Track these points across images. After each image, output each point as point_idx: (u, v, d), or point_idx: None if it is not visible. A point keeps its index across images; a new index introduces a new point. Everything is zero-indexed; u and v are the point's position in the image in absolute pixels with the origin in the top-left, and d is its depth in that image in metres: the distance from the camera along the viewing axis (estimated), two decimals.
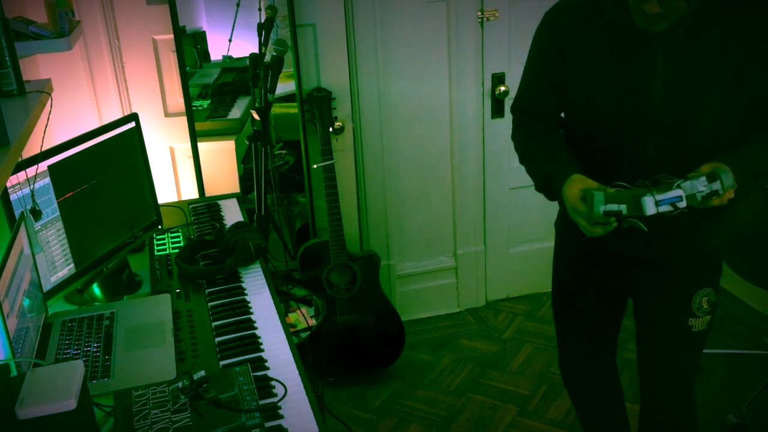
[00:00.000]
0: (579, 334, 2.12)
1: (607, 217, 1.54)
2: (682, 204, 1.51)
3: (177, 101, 2.90)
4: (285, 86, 2.94)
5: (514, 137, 1.93)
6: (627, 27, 1.63)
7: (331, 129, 2.91)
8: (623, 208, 1.52)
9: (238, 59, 3.13)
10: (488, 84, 3.19)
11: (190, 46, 3.04)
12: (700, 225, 1.76)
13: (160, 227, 2.32)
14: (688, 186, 1.50)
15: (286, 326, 1.78)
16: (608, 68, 1.69)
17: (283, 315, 1.84)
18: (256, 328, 1.77)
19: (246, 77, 2.93)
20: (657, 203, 1.50)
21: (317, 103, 2.85)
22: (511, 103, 1.94)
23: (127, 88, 2.87)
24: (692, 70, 1.62)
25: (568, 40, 1.74)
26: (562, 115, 1.89)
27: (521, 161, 1.90)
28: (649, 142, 1.69)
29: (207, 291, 1.97)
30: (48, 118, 1.87)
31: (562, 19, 1.76)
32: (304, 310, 2.57)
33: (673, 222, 1.63)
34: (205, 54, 3.14)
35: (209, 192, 2.93)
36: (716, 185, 1.50)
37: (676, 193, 1.50)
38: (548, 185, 1.77)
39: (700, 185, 1.50)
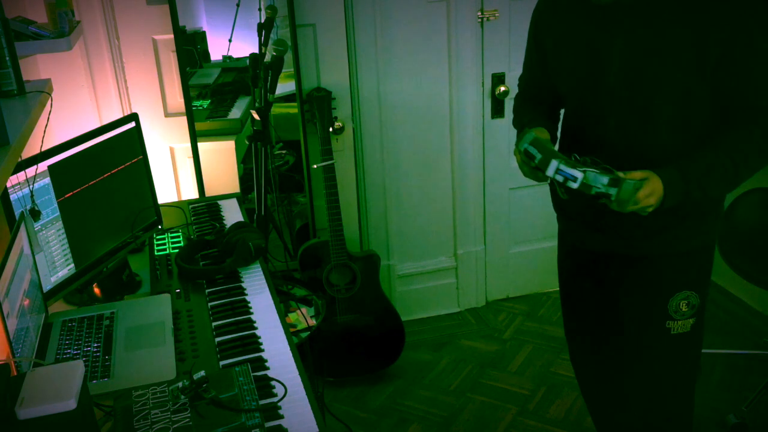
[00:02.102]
0: (577, 331, 2.15)
1: (527, 157, 1.65)
2: (574, 185, 1.58)
3: (177, 101, 2.90)
4: (285, 86, 2.93)
5: (513, 106, 2.06)
6: (587, 6, 1.69)
7: (331, 129, 2.91)
8: (538, 157, 1.63)
9: (238, 59, 3.13)
10: (488, 84, 3.19)
11: (190, 46, 3.04)
12: (675, 225, 1.76)
13: (160, 227, 2.32)
14: (591, 176, 1.57)
15: (286, 326, 1.78)
16: (573, 49, 1.76)
17: (283, 315, 1.84)
18: (256, 328, 1.77)
19: (246, 77, 2.93)
20: (557, 170, 1.59)
21: (317, 103, 2.85)
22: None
23: (127, 88, 2.87)
24: (646, 47, 1.63)
25: (545, 24, 1.85)
26: None
27: (513, 124, 2.03)
28: (609, 121, 1.72)
29: (207, 291, 1.97)
30: (48, 118, 1.88)
31: (540, 9, 1.88)
32: (304, 310, 2.57)
33: (645, 219, 1.65)
34: (205, 54, 3.14)
35: (209, 192, 2.93)
36: (612, 191, 1.56)
37: (575, 173, 1.58)
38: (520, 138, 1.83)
39: (599, 182, 1.56)
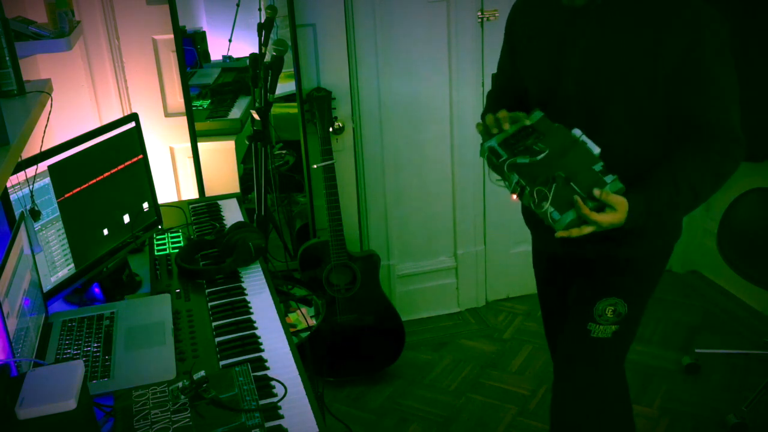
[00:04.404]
0: (550, 334, 2.20)
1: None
2: (595, 150, 1.61)
3: (177, 101, 2.90)
4: (285, 86, 2.94)
5: (486, 104, 2.06)
6: (558, 7, 1.70)
7: (331, 129, 2.91)
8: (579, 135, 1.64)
9: (238, 59, 3.13)
10: (488, 84, 3.18)
11: (190, 46, 3.04)
12: (619, 232, 1.72)
13: (160, 227, 2.32)
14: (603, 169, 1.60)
15: (286, 326, 1.78)
16: (540, 48, 1.77)
17: (283, 315, 1.84)
18: (256, 328, 1.77)
19: (246, 77, 2.93)
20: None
21: (317, 103, 2.85)
22: None
23: (127, 88, 2.87)
24: (604, 52, 1.64)
25: (517, 26, 1.87)
26: None
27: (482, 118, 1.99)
28: (568, 122, 1.69)
29: (207, 291, 1.97)
30: (48, 118, 1.87)
31: (517, 6, 1.90)
32: (304, 310, 2.57)
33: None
34: (205, 54, 3.14)
35: (209, 192, 2.93)
36: (609, 178, 1.59)
37: (594, 147, 1.61)
38: None
39: (605, 175, 1.59)
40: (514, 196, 1.68)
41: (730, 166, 1.65)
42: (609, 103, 1.67)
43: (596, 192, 1.57)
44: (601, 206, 1.57)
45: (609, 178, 1.60)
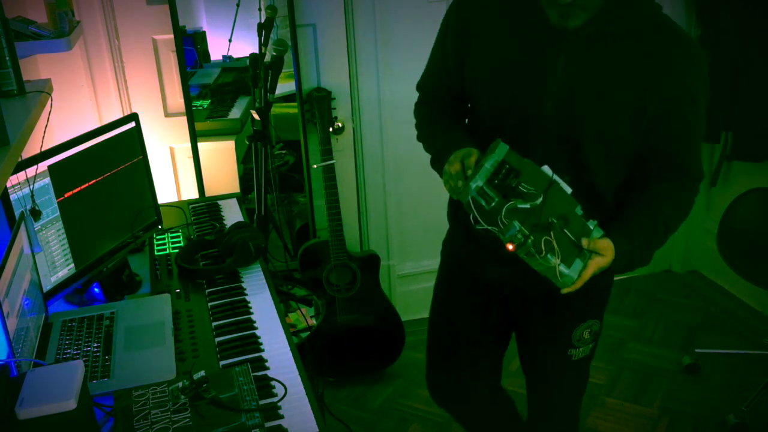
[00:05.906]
0: (463, 360, 2.12)
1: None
2: (567, 190, 1.49)
3: (177, 101, 2.90)
4: (285, 86, 2.94)
5: (415, 112, 1.87)
6: (538, 21, 1.53)
7: (331, 129, 2.91)
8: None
9: (238, 59, 3.13)
10: None
11: (190, 46, 3.04)
12: None
13: (160, 227, 2.32)
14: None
15: (286, 326, 1.78)
16: (510, 63, 1.59)
17: (283, 315, 1.84)
18: (256, 328, 1.77)
19: (246, 77, 2.93)
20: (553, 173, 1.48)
21: (317, 103, 2.86)
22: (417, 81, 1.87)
23: (127, 88, 2.87)
24: (588, 82, 1.53)
25: (473, 26, 1.66)
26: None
27: (419, 136, 1.85)
28: (536, 147, 1.57)
29: (207, 291, 1.97)
30: (48, 118, 1.88)
31: (471, 4, 1.70)
32: (304, 310, 2.57)
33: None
34: (205, 54, 3.14)
35: (209, 192, 2.93)
36: (597, 233, 1.51)
37: (566, 187, 1.49)
38: (444, 156, 1.60)
39: (588, 225, 1.50)
40: (511, 246, 1.44)
41: (693, 201, 1.67)
42: (586, 133, 1.57)
43: (584, 242, 1.47)
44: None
45: (591, 224, 1.53)
